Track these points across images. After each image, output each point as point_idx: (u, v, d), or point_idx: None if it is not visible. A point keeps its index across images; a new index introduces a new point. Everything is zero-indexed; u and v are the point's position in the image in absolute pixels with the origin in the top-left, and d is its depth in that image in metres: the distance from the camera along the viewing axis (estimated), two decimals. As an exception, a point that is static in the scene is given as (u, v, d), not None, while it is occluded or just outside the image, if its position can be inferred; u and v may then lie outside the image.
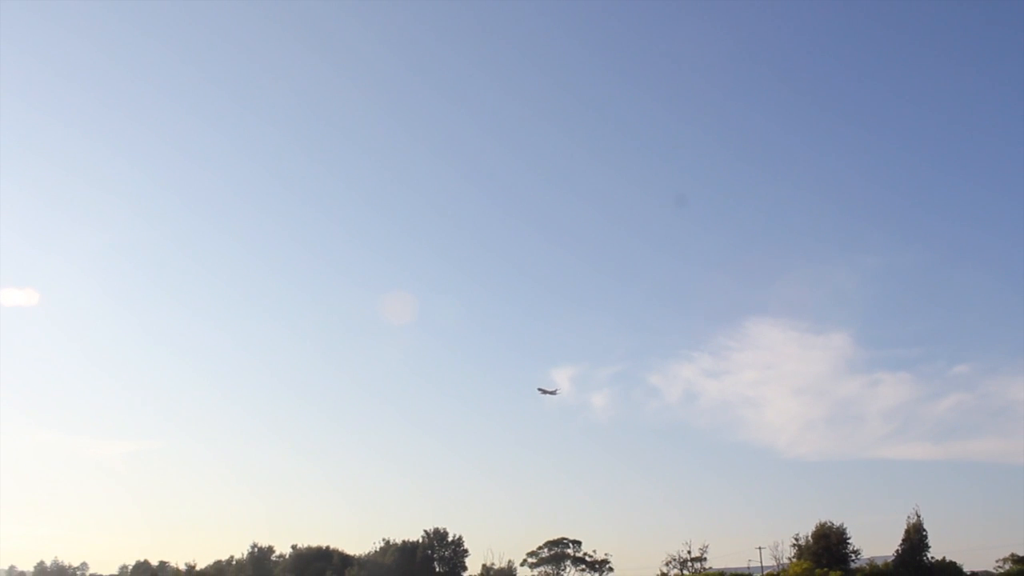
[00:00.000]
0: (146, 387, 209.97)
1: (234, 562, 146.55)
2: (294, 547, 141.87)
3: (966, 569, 73.31)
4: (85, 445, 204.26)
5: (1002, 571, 71.83)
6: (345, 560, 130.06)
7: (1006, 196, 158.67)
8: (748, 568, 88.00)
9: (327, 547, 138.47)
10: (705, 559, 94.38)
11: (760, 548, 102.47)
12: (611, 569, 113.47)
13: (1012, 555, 79.45)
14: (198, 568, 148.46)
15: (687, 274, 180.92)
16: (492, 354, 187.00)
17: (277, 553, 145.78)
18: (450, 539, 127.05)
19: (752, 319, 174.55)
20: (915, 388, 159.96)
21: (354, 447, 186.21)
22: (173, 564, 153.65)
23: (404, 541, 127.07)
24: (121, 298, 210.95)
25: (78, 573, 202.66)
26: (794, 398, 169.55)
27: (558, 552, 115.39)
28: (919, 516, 77.27)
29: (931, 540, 77.85)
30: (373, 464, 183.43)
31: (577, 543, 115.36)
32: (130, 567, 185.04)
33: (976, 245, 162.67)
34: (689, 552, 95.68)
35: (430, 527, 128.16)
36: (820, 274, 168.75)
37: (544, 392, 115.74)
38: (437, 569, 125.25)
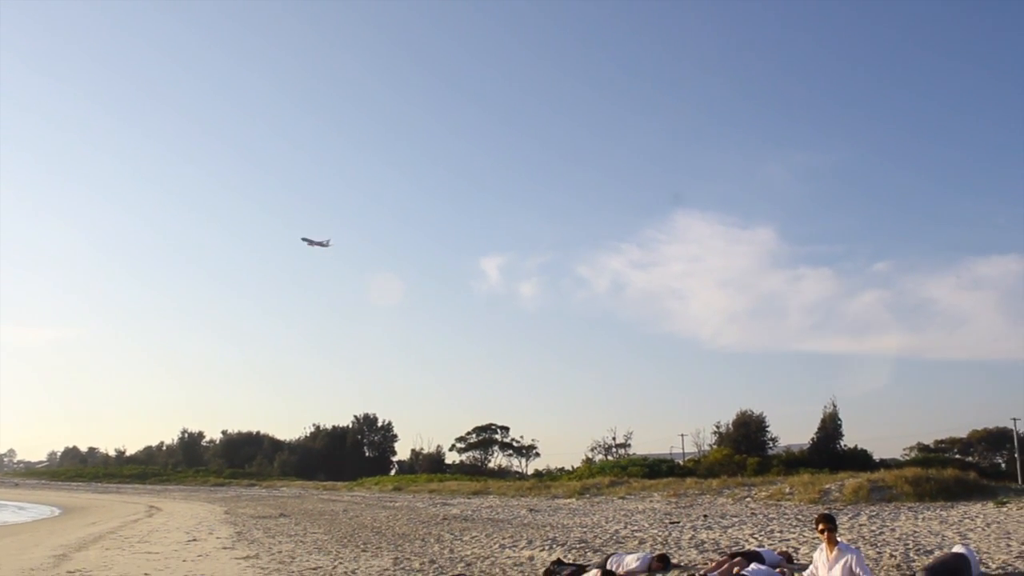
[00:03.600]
0: (67, 274, 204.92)
1: (164, 447, 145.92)
2: (224, 432, 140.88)
3: (875, 457, 74.10)
4: (6, 332, 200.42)
5: (908, 458, 73.12)
6: (275, 445, 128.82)
7: (931, 98, 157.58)
8: (670, 454, 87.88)
9: (257, 432, 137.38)
10: (629, 445, 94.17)
11: (682, 435, 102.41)
12: (538, 454, 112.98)
13: (918, 444, 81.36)
14: (128, 453, 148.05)
15: (617, 166, 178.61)
16: (418, 245, 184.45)
17: (207, 438, 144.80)
18: (379, 425, 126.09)
19: (680, 212, 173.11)
20: (836, 284, 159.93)
21: (281, 335, 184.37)
22: (102, 450, 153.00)
23: (334, 427, 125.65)
24: (39, 184, 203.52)
25: (5, 459, 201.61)
26: (719, 291, 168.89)
27: (486, 438, 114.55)
28: (835, 406, 76.84)
29: (844, 429, 77.94)
30: (302, 352, 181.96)
31: (505, 429, 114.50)
32: (59, 453, 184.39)
33: (900, 145, 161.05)
34: (614, 438, 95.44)
35: (360, 413, 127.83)
36: (749, 169, 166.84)
37: (311, 243, 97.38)
38: (367, 454, 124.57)
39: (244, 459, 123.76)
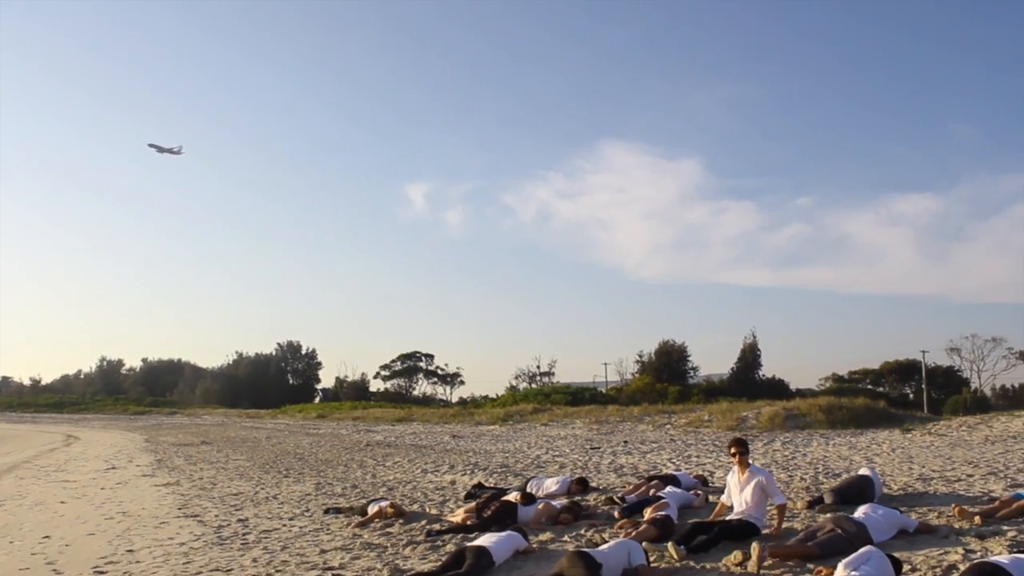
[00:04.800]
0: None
1: (82, 376, 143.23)
2: (144, 360, 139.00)
3: (792, 386, 76.29)
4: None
5: (822, 388, 75.56)
6: (197, 372, 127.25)
7: (858, 36, 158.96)
8: (593, 382, 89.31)
9: (179, 360, 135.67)
10: (553, 374, 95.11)
11: (605, 364, 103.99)
12: (462, 382, 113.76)
13: (833, 375, 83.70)
14: (44, 383, 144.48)
15: (543, 94, 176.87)
16: (342, 172, 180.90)
17: (127, 366, 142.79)
18: (303, 352, 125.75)
19: (607, 142, 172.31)
20: (758, 217, 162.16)
21: (201, 262, 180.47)
22: (16, 379, 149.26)
23: (257, 354, 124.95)
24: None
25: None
26: (644, 222, 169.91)
27: (411, 365, 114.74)
28: (755, 337, 78.58)
29: (763, 360, 79.92)
30: (224, 279, 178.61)
31: (430, 357, 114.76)
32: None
33: (824, 82, 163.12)
34: (538, 367, 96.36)
35: (283, 340, 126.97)
36: (676, 100, 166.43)
37: (161, 151, 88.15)
38: (291, 381, 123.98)
39: (165, 387, 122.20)
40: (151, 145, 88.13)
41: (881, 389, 78.67)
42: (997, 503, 9.79)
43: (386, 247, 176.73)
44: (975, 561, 6.58)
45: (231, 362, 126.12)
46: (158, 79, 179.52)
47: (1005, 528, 8.70)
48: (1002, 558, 6.33)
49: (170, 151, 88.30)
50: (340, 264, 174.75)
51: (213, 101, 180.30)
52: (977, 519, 9.21)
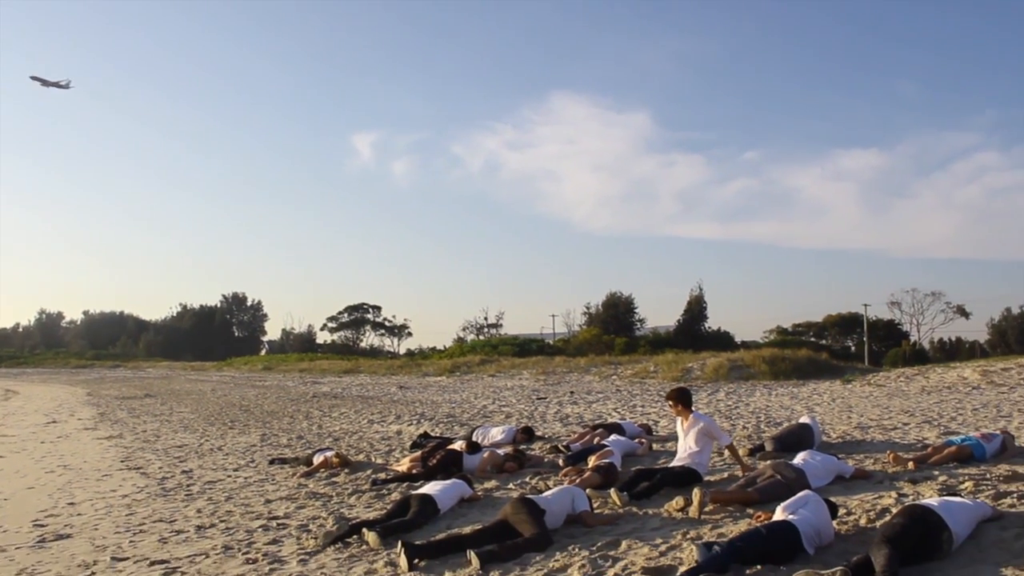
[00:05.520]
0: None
1: (20, 329, 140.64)
2: (86, 313, 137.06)
3: (737, 339, 77.55)
4: None
5: (767, 341, 76.99)
6: (140, 325, 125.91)
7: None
8: (541, 334, 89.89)
9: (121, 312, 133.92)
10: (501, 326, 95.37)
11: (553, 316, 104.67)
12: (410, 334, 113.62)
13: (777, 327, 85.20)
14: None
15: (493, 43, 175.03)
16: (286, 121, 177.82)
17: (68, 319, 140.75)
18: (249, 304, 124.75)
19: (557, 93, 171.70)
20: (706, 171, 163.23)
21: (141, 216, 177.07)
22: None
23: (202, 306, 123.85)
24: None
25: None
26: (592, 174, 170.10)
27: (358, 317, 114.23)
28: (701, 290, 79.50)
29: (709, 312, 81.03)
30: (164, 231, 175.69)
31: (377, 308, 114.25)
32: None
33: (775, 37, 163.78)
34: (486, 319, 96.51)
35: (228, 292, 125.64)
36: (626, 52, 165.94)
37: (45, 84, 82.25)
38: (236, 334, 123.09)
39: (107, 340, 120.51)
40: (34, 78, 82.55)
41: (824, 342, 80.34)
42: (930, 450, 10.04)
43: (333, 198, 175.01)
44: (906, 504, 6.75)
45: (175, 315, 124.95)
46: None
47: (936, 473, 8.93)
48: (932, 501, 6.50)
49: (56, 85, 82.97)
50: (286, 215, 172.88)
51: (139, 47, 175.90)
52: (911, 465, 9.45)
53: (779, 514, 6.55)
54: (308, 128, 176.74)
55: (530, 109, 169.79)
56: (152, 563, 7.52)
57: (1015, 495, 7.56)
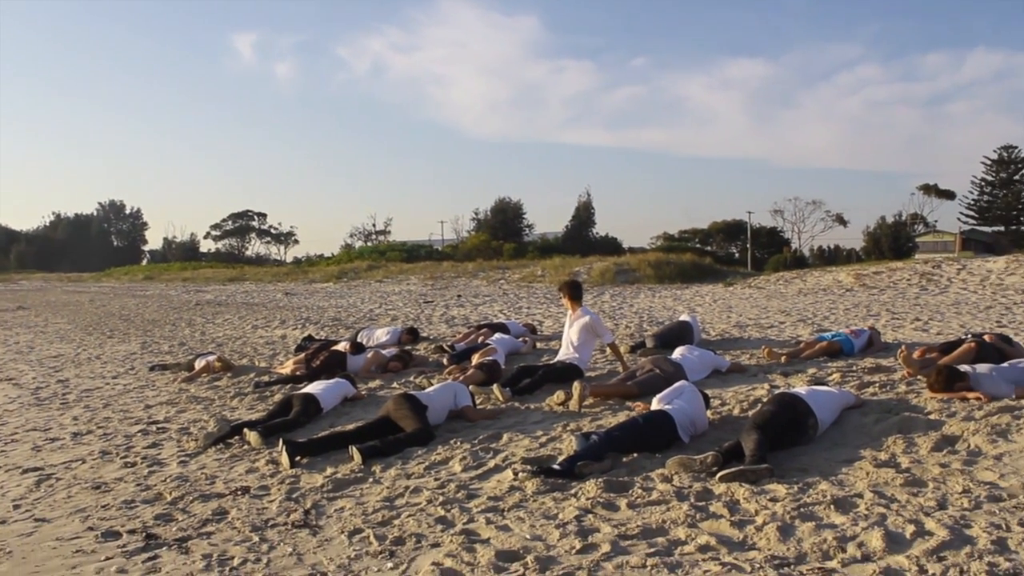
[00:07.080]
0: None
1: None
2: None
3: (625, 245, 79.01)
4: None
5: (654, 247, 78.79)
6: (11, 236, 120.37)
7: None
8: (429, 240, 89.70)
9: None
10: (389, 232, 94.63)
11: (442, 222, 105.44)
12: (297, 241, 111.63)
13: (664, 234, 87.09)
14: None
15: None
16: (160, 17, 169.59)
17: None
18: (128, 212, 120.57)
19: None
20: (596, 77, 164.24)
21: (4, 116, 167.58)
22: None
23: (77, 215, 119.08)
24: None
25: None
26: (481, 79, 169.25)
27: (243, 224, 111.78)
28: (589, 196, 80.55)
29: (597, 218, 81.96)
30: (32, 134, 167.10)
31: (262, 215, 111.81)
32: None
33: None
34: (374, 225, 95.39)
35: (105, 200, 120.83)
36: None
37: None
38: (115, 243, 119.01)
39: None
40: None
41: (709, 248, 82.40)
42: (803, 345, 10.41)
43: (212, 100, 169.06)
44: (777, 392, 6.99)
45: (48, 224, 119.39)
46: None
47: (807, 367, 9.28)
48: (800, 389, 6.73)
49: None
50: (164, 119, 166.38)
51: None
52: (784, 358, 9.79)
53: (655, 404, 6.69)
54: (183, 24, 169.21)
55: (418, 10, 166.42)
56: (25, 471, 7.25)
57: (877, 384, 7.92)
